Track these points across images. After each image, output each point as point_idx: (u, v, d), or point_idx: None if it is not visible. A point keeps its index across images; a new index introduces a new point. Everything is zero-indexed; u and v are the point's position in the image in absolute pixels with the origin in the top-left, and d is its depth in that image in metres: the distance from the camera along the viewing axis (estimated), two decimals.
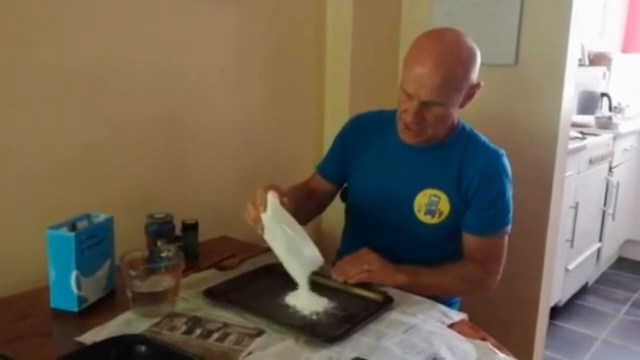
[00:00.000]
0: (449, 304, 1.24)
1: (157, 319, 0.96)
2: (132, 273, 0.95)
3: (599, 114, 3.34)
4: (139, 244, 1.16)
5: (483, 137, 1.25)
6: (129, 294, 0.96)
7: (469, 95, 1.17)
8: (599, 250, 2.96)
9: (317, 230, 1.91)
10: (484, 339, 0.94)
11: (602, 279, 3.10)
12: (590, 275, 2.97)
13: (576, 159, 2.42)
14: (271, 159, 1.70)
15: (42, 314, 0.97)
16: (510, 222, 1.20)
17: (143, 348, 0.82)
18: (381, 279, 1.10)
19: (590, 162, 2.62)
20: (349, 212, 1.38)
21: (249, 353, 0.85)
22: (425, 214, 1.20)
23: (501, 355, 0.88)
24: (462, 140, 1.22)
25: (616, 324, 2.58)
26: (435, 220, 1.20)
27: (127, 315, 0.96)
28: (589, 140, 2.60)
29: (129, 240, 1.08)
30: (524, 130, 1.70)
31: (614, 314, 2.68)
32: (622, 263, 3.37)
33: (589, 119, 3.05)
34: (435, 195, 1.20)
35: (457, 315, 1.02)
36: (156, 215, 1.21)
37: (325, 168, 1.38)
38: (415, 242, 1.22)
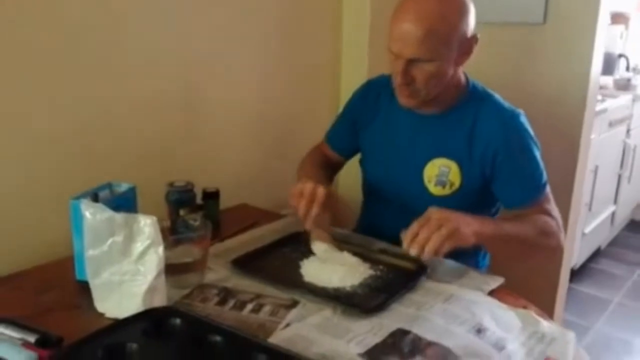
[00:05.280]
0: (476, 263, 1.22)
1: (186, 291, 0.93)
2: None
3: (617, 75, 3.25)
4: (159, 214, 1.12)
5: (498, 97, 1.15)
6: None
7: (465, 51, 1.07)
8: (613, 214, 2.93)
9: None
10: (525, 307, 0.91)
11: (615, 242, 3.08)
12: (604, 238, 2.95)
13: (597, 122, 2.35)
14: (289, 123, 1.65)
15: (66, 286, 0.94)
16: (545, 178, 1.12)
17: (177, 321, 0.79)
18: (465, 238, 0.94)
19: (610, 124, 2.56)
20: (364, 183, 1.33)
21: (287, 325, 0.83)
22: (436, 185, 1.14)
23: (545, 322, 0.86)
24: (473, 102, 1.14)
25: (630, 286, 2.58)
26: (446, 191, 1.13)
27: None
28: (609, 102, 2.54)
29: (149, 209, 1.04)
30: (551, 94, 1.64)
31: (627, 276, 2.67)
32: (634, 226, 3.35)
33: (607, 80, 2.97)
34: (445, 166, 1.13)
35: (495, 281, 0.99)
36: (177, 183, 1.17)
37: (334, 139, 1.33)
38: None
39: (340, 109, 1.35)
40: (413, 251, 0.92)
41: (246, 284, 0.95)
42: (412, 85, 1.06)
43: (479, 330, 0.81)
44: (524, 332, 0.83)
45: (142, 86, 1.25)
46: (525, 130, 1.12)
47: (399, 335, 0.79)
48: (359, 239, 1.18)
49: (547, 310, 1.76)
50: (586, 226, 2.53)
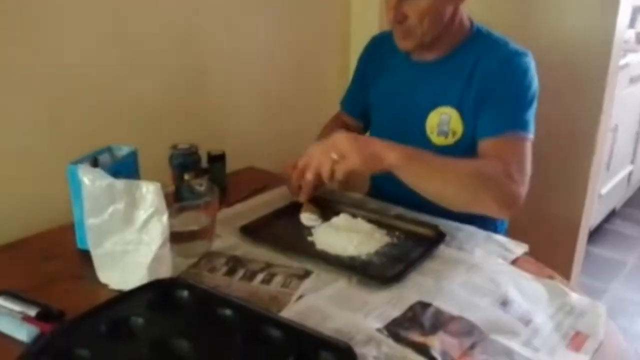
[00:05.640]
0: (494, 227, 1.17)
1: (193, 260, 0.88)
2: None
3: (638, 28, 3.10)
4: (162, 179, 1.07)
5: (506, 39, 1.06)
6: None
7: None
8: (630, 173, 2.85)
9: None
10: (550, 277, 0.86)
11: (630, 203, 3.01)
12: (620, 198, 2.89)
13: (618, 78, 2.24)
14: (298, 83, 1.57)
15: (68, 254, 0.90)
16: (529, 129, 1.00)
17: (185, 293, 0.75)
18: (360, 164, 0.87)
19: (631, 81, 2.45)
20: None
21: (300, 296, 0.78)
22: (438, 135, 1.08)
23: (573, 294, 0.81)
24: (476, 45, 1.06)
25: None
26: (449, 140, 1.07)
27: None
28: (631, 57, 2.41)
29: (152, 174, 0.99)
30: (573, 46, 1.54)
31: None
32: None
33: (629, 33, 2.83)
34: (445, 114, 1.06)
35: (519, 248, 0.94)
36: (180, 146, 1.11)
37: (349, 105, 1.27)
38: None
39: (355, 65, 1.28)
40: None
41: (256, 253, 0.91)
42: (406, 23, 1.01)
43: (504, 303, 0.76)
44: (552, 304, 0.78)
45: (144, 46, 1.19)
46: (526, 68, 1.02)
47: (419, 308, 0.75)
48: (374, 204, 1.12)
49: (564, 273, 1.74)
50: (603, 186, 2.46)
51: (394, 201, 1.11)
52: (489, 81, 1.02)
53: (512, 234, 1.22)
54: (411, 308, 0.75)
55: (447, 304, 0.75)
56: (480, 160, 0.99)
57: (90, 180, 0.77)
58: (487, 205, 0.94)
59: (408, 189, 0.93)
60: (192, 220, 0.90)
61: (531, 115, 1.02)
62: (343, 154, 0.89)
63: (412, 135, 1.09)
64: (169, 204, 0.89)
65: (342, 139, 0.90)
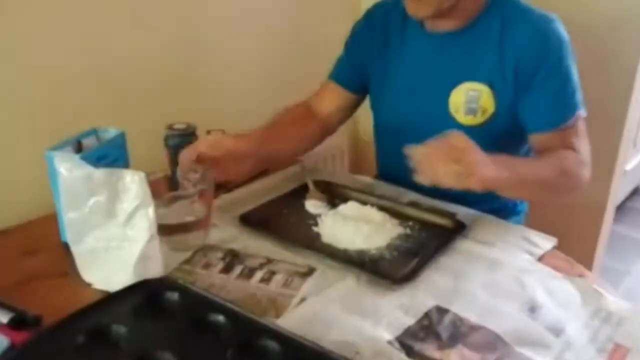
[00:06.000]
0: (514, 213, 1.08)
1: (187, 254, 0.81)
2: (155, 201, 0.78)
3: None
4: (158, 162, 0.99)
5: (526, 3, 0.96)
6: None
7: None
8: None
9: (354, 141, 1.72)
10: (581, 276, 0.77)
11: None
12: None
13: None
14: (299, 57, 1.47)
15: (53, 248, 0.82)
16: (582, 105, 0.95)
17: (175, 295, 0.68)
18: (478, 182, 0.75)
19: None
20: (375, 131, 1.15)
21: (302, 299, 0.70)
22: (466, 113, 0.97)
23: (609, 297, 0.72)
24: (498, 12, 0.95)
25: None
26: (478, 120, 0.96)
27: None
28: None
29: (146, 158, 0.91)
30: (606, 21, 1.41)
31: None
32: None
33: None
34: (474, 90, 0.96)
35: (547, 242, 0.85)
36: (176, 125, 1.02)
37: (339, 73, 1.11)
38: None
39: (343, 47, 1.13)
40: (419, 178, 0.76)
41: (256, 246, 0.83)
42: None
43: (532, 309, 0.68)
44: (585, 309, 0.69)
45: (137, 20, 1.10)
46: (562, 38, 0.93)
47: (436, 314, 0.67)
48: (385, 189, 1.04)
49: (587, 257, 1.65)
50: (628, 163, 2.34)
51: (404, 182, 1.02)
52: (527, 58, 0.92)
53: (532, 212, 1.14)
54: (427, 315, 0.67)
55: (467, 310, 0.67)
56: (560, 155, 0.91)
57: (68, 169, 0.69)
58: (566, 196, 0.94)
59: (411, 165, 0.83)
60: (186, 211, 0.82)
61: (577, 81, 0.94)
62: (471, 166, 0.74)
63: (433, 116, 0.99)
64: (164, 190, 0.81)
65: (470, 155, 0.75)
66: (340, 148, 1.69)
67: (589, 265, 1.65)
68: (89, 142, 0.84)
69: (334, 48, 1.13)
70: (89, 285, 0.73)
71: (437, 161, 0.75)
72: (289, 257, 0.80)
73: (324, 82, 1.13)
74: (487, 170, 0.75)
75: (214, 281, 0.75)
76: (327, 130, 1.12)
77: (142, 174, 0.68)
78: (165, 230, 0.78)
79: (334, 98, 1.11)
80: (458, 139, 0.76)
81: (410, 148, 0.77)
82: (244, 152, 0.89)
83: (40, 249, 0.82)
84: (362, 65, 1.09)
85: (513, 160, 0.88)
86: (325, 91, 1.12)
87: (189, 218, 0.82)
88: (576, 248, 0.86)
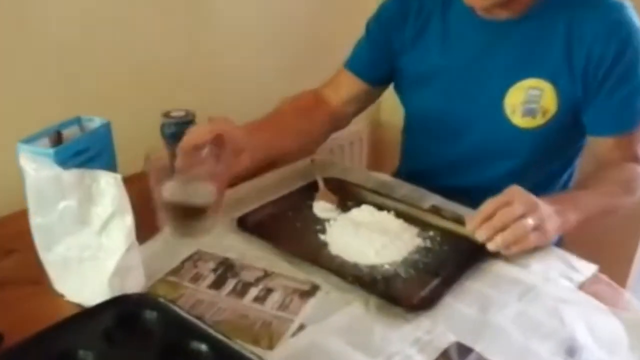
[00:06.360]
0: None
1: (175, 264, 0.72)
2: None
3: None
4: (153, 151, 0.90)
5: None
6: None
7: None
8: None
9: (374, 126, 1.60)
10: (628, 309, 0.66)
11: None
12: None
13: None
14: (312, 40, 1.35)
15: (28, 249, 0.73)
16: None
17: (153, 315, 0.59)
18: (548, 237, 0.72)
19: None
20: (406, 124, 1.04)
21: (300, 327, 0.61)
22: (524, 115, 0.85)
23: None
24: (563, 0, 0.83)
25: None
26: (538, 122, 0.85)
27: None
28: None
29: (139, 149, 0.81)
30: None
31: None
32: None
33: None
34: (535, 88, 0.84)
35: (588, 268, 0.73)
36: (174, 113, 0.92)
37: (358, 63, 0.99)
38: (508, 157, 0.90)
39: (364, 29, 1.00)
40: (481, 234, 0.68)
41: (254, 254, 0.73)
42: None
43: (571, 351, 0.57)
44: (634, 352, 0.58)
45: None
46: (637, 30, 0.81)
47: (456, 354, 0.56)
48: (405, 190, 0.93)
49: (622, 268, 1.52)
50: None
51: (429, 182, 0.92)
52: (600, 59, 0.81)
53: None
54: (445, 354, 0.56)
55: (494, 350, 0.57)
56: (621, 169, 0.86)
57: (35, 170, 0.60)
58: (627, 210, 0.87)
59: (453, 175, 0.80)
60: (196, 194, 0.75)
61: None
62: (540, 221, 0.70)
63: (483, 116, 0.88)
64: (170, 173, 0.74)
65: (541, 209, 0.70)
66: (359, 134, 1.58)
67: (622, 279, 1.52)
68: (70, 132, 0.75)
69: (349, 35, 1.01)
70: (61, 296, 0.65)
71: (502, 217, 0.68)
72: (289, 270, 0.70)
73: (338, 69, 1.01)
74: (553, 223, 0.72)
75: (202, 297, 0.65)
76: (338, 123, 1.01)
77: (118, 176, 0.59)
78: (172, 212, 0.75)
79: (348, 88, 1.00)
80: (519, 193, 0.70)
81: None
82: (233, 139, 0.77)
83: (15, 249, 0.74)
84: (389, 53, 0.96)
85: (576, 197, 0.81)
86: (338, 80, 1.00)
87: (201, 200, 0.75)
88: (609, 261, 0.76)
